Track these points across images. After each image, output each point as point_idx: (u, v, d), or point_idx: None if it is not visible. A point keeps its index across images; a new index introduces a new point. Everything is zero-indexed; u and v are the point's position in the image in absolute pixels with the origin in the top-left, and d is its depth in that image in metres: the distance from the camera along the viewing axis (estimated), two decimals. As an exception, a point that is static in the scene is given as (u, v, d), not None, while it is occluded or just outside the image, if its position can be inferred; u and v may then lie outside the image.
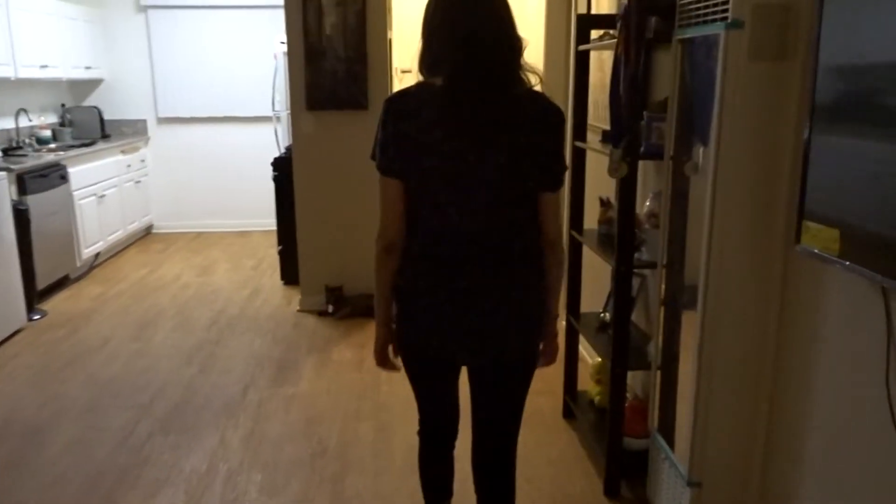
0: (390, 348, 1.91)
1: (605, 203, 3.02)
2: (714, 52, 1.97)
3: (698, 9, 2.07)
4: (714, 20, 1.96)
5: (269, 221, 5.40)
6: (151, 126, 7.17)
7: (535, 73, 1.70)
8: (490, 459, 2.01)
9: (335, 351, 4.13)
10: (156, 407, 3.43)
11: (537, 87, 1.72)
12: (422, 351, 1.86)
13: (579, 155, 3.10)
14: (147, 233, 7.28)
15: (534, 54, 5.29)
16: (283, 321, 4.64)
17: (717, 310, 2.07)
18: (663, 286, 2.45)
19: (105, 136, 6.71)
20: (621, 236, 2.49)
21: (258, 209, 7.00)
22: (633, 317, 2.87)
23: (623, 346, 2.57)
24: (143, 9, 6.88)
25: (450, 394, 1.98)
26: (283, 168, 5.13)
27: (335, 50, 4.44)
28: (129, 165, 6.62)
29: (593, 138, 3.18)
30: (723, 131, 1.95)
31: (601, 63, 3.78)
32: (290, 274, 5.31)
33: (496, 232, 1.72)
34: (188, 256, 6.36)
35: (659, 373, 2.50)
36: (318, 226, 4.76)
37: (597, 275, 3.47)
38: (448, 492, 2.16)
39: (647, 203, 2.58)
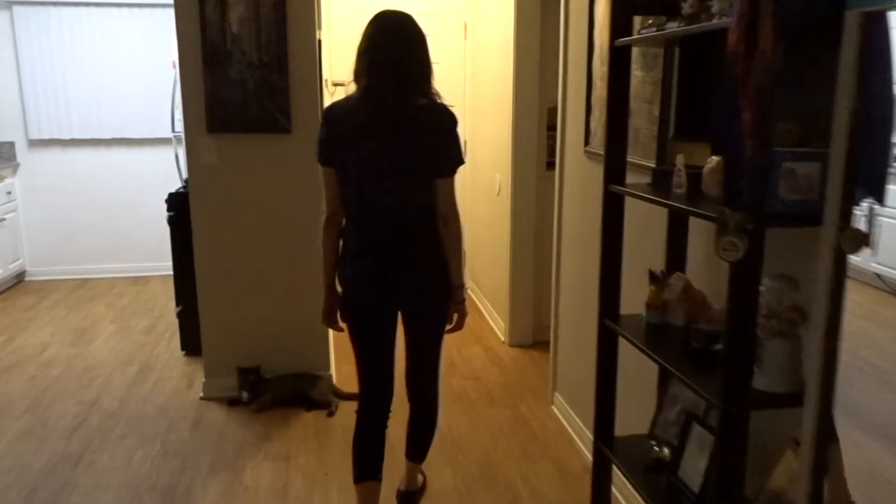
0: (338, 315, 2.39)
1: (658, 278, 2.01)
2: None
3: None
4: None
5: (171, 266, 4.23)
6: (21, 150, 5.82)
7: (437, 94, 2.22)
8: (416, 386, 2.45)
9: (250, 468, 2.96)
10: None
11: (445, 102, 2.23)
12: (357, 302, 2.34)
13: (615, 203, 2.07)
14: (18, 281, 5.90)
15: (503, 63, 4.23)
16: (179, 417, 3.43)
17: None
18: (812, 435, 1.44)
19: (-43, 164, 5.35)
20: (735, 354, 1.47)
21: (157, 251, 5.71)
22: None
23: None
24: (7, 5, 5.55)
25: (384, 348, 2.40)
26: (180, 207, 3.94)
27: (245, 53, 3.29)
28: (-12, 200, 5.28)
29: (634, 179, 2.16)
30: None
31: (603, 73, 2.80)
32: (192, 342, 4.09)
33: (402, 210, 2.22)
34: (64, 315, 5.04)
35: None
36: (226, 286, 3.58)
37: (631, 378, 2.43)
38: (376, 473, 2.41)
39: (762, 292, 1.57)
